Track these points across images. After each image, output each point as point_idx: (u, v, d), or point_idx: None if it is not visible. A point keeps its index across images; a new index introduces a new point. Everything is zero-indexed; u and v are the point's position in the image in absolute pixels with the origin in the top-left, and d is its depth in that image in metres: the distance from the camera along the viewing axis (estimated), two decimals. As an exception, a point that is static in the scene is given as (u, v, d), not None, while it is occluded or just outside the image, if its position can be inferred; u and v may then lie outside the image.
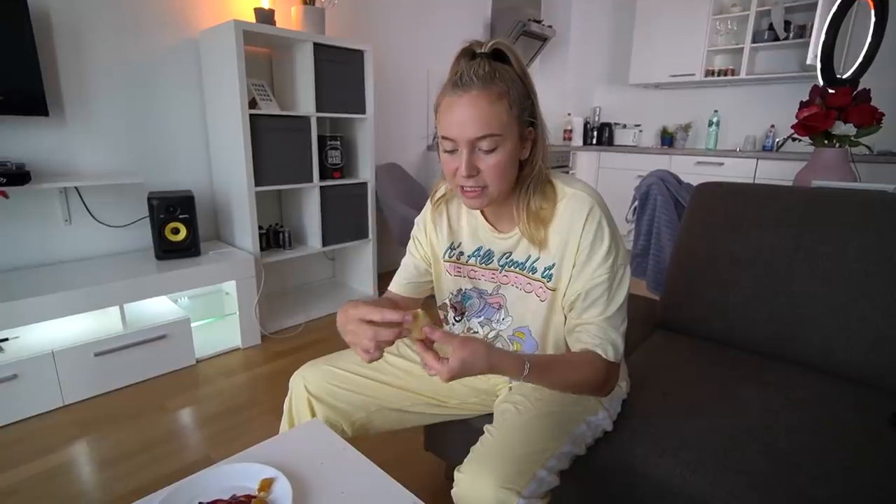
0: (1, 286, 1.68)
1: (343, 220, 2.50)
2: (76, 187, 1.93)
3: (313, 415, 0.94)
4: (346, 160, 2.49)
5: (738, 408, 0.98)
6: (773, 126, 3.38)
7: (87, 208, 1.98)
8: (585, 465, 0.83)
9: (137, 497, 0.72)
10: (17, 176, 1.65)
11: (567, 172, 3.84)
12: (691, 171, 3.34)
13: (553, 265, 0.82)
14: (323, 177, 2.37)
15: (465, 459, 0.76)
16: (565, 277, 0.81)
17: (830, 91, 1.77)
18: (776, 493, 0.77)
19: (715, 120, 3.59)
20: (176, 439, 1.54)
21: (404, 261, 1.00)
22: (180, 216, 1.99)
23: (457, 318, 0.97)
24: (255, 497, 0.71)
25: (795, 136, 1.84)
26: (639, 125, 4.21)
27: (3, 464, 1.40)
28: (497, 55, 0.74)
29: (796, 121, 1.79)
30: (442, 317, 1.02)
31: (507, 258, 0.87)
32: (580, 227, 0.78)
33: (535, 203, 0.80)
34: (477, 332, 0.94)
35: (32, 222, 1.88)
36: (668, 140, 4.01)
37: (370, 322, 0.70)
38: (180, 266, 1.95)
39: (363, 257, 2.72)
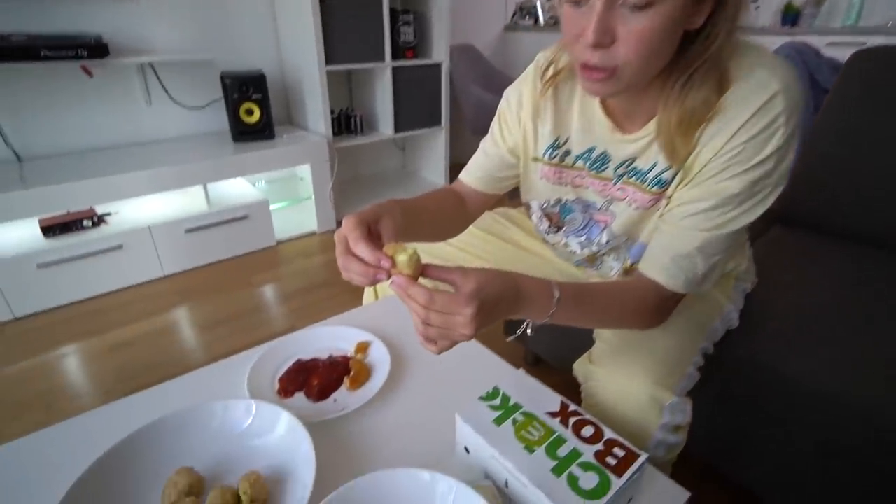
0: (97, 163, 1.75)
1: (415, 105, 2.36)
2: (152, 65, 1.90)
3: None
4: (419, 38, 2.28)
5: (872, 307, 0.85)
6: (940, -7, 2.70)
7: (164, 88, 1.97)
8: (712, 363, 0.74)
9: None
10: (96, 48, 1.63)
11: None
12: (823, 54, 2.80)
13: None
14: (395, 56, 2.19)
15: (597, 352, 0.67)
16: (685, 181, 0.58)
17: None
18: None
19: (860, -12, 2.92)
20: (263, 311, 1.63)
21: (484, 146, 0.78)
22: (253, 96, 1.94)
23: (552, 229, 0.80)
24: (352, 358, 0.69)
25: None
26: (756, 0, 3.54)
27: (121, 320, 1.55)
28: None
29: None
30: (528, 215, 0.85)
31: (627, 166, 0.63)
32: (743, 120, 0.52)
33: (695, 98, 0.53)
34: (575, 252, 0.79)
35: (116, 102, 1.90)
36: (791, 18, 3.35)
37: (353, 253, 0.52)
38: (256, 148, 1.94)
39: (435, 147, 2.60)
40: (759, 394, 0.78)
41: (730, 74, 0.53)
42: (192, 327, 1.54)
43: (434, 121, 2.46)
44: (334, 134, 2.19)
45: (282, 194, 2.37)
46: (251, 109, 1.97)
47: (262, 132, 2.02)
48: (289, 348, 0.72)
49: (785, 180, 0.55)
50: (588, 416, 0.52)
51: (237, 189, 2.09)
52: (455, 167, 2.84)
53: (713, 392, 0.84)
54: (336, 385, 0.65)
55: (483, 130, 0.78)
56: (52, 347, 1.42)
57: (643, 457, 0.47)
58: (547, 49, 0.71)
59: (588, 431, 0.50)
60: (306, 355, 0.71)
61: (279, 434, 0.54)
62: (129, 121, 1.95)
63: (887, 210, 1.06)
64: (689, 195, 0.58)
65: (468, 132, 2.58)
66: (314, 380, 0.65)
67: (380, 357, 0.69)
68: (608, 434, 0.50)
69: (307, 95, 2.15)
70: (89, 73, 1.78)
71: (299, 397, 0.64)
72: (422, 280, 0.49)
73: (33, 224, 1.64)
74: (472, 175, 0.78)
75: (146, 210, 1.85)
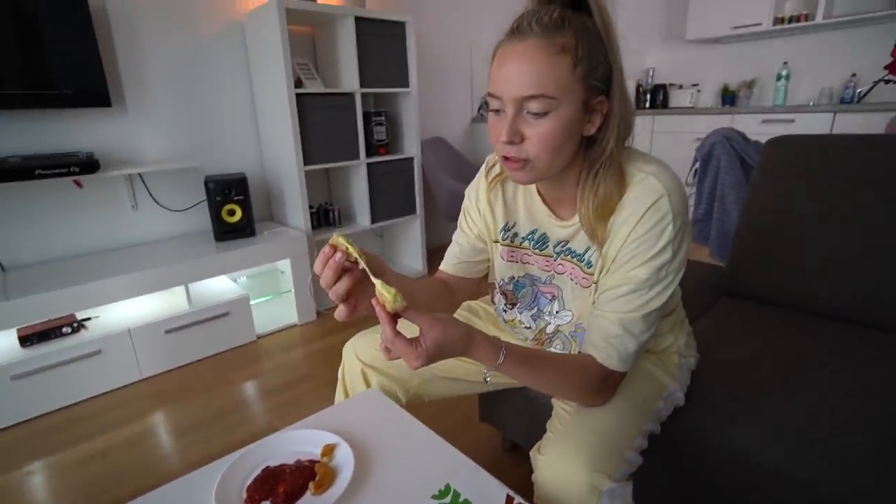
0: (80, 270, 1.80)
1: (391, 197, 2.50)
2: (140, 174, 2.03)
3: (367, 384, 0.94)
4: (391, 135, 2.48)
5: (815, 376, 0.90)
6: (854, 75, 3.05)
7: (150, 194, 2.08)
8: (659, 441, 0.78)
9: (210, 463, 0.76)
10: (88, 165, 1.75)
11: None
12: (757, 130, 3.08)
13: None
14: (369, 154, 2.37)
15: (544, 440, 0.72)
16: (605, 269, 0.70)
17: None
18: (859, 466, 0.70)
19: (784, 73, 3.28)
20: (242, 410, 1.62)
21: (455, 237, 0.91)
22: (235, 198, 2.05)
23: (507, 307, 0.90)
24: (318, 462, 0.72)
25: (889, 77, 1.64)
26: (696, 85, 3.93)
27: (95, 430, 1.52)
28: (578, 3, 0.62)
29: (892, 60, 1.59)
30: (489, 298, 0.96)
31: (563, 246, 0.76)
32: (639, 215, 0.64)
33: (604, 190, 0.66)
34: (529, 328, 0.87)
35: (104, 210, 2.00)
36: (729, 99, 3.72)
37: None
38: (237, 246, 2.02)
39: (411, 234, 2.73)
40: (706, 467, 0.82)
41: (626, 175, 0.67)
42: (167, 433, 1.52)
43: (409, 210, 2.60)
44: (313, 227, 2.30)
45: (262, 289, 2.42)
46: (233, 210, 2.08)
47: (243, 231, 2.11)
48: (258, 455, 0.75)
49: (684, 266, 0.68)
50: (532, 509, 0.55)
51: (218, 286, 2.14)
52: (432, 251, 2.95)
53: (665, 471, 0.87)
54: (302, 491, 0.67)
55: (457, 216, 0.93)
56: (20, 464, 1.39)
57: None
58: (494, 153, 0.84)
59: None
60: (275, 461, 0.73)
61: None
62: (114, 226, 2.04)
63: (815, 279, 1.16)
64: (609, 282, 0.68)
65: (444, 218, 2.72)
66: (280, 487, 0.67)
67: (344, 458, 0.72)
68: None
69: (287, 193, 2.28)
70: (80, 185, 1.90)
71: (266, 506, 0.66)
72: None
73: (11, 335, 1.65)
74: (450, 264, 0.91)
75: (127, 312, 1.88)
